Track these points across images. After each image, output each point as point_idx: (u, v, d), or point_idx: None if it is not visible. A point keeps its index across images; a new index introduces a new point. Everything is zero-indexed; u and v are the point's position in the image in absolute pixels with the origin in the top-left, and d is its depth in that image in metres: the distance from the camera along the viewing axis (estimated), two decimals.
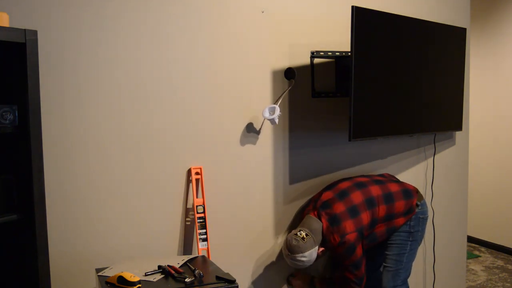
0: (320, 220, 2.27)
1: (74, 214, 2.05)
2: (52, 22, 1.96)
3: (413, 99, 2.62)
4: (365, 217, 2.28)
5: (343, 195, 2.33)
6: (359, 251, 2.26)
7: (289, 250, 2.22)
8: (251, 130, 2.41)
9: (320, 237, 2.25)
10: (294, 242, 2.21)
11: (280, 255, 2.53)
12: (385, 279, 2.42)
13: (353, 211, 2.27)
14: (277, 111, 2.28)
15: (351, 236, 2.23)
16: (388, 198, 2.37)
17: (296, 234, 2.23)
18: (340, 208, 2.27)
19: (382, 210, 2.33)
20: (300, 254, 2.20)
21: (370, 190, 2.37)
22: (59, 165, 2.01)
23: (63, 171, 2.02)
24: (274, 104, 2.31)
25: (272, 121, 2.29)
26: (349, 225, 2.24)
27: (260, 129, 2.43)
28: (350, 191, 2.35)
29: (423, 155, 2.97)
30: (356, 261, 2.27)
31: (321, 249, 2.27)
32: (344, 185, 2.39)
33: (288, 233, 2.37)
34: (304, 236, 2.21)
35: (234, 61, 2.34)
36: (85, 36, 2.03)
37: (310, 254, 2.21)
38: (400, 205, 2.37)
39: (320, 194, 2.42)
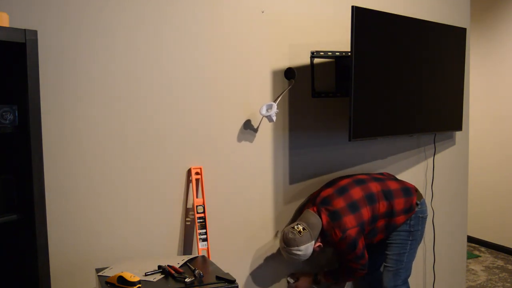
0: (320, 216, 2.28)
1: (74, 214, 2.05)
2: (52, 22, 1.96)
3: (413, 99, 2.62)
4: (365, 212, 2.29)
5: (342, 191, 2.33)
6: (361, 245, 2.27)
7: (285, 242, 2.24)
8: (251, 131, 2.41)
9: (317, 232, 2.25)
10: (290, 235, 2.22)
11: (280, 255, 2.53)
12: (386, 278, 2.42)
13: (353, 207, 2.28)
14: (274, 108, 2.28)
15: (352, 231, 2.23)
16: (388, 194, 2.37)
17: (293, 228, 2.24)
18: (340, 203, 2.28)
19: (382, 206, 2.34)
20: (296, 248, 2.21)
21: (370, 186, 2.38)
22: (59, 165, 2.01)
23: (63, 171, 2.02)
24: (273, 102, 2.32)
25: (269, 118, 2.29)
26: (349, 220, 2.24)
27: (260, 129, 2.43)
28: (349, 187, 2.35)
29: (423, 155, 2.97)
30: (359, 254, 2.28)
31: (318, 244, 2.28)
32: (344, 181, 2.40)
33: (286, 226, 2.37)
34: (301, 230, 2.22)
35: (234, 61, 2.34)
36: (85, 36, 2.03)
37: (306, 248, 2.22)
38: (399, 202, 2.37)
39: (319, 191, 2.43)
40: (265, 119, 2.43)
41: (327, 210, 2.28)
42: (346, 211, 2.26)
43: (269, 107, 2.30)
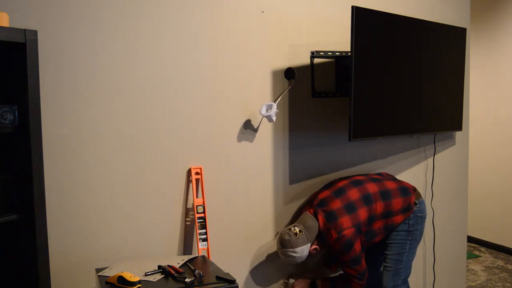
0: (317, 218, 2.28)
1: (74, 214, 2.05)
2: (52, 22, 1.96)
3: (413, 99, 2.62)
4: (362, 213, 2.29)
5: (339, 192, 2.34)
6: (357, 247, 2.27)
7: (281, 244, 2.25)
8: (251, 131, 2.41)
9: (314, 235, 2.26)
10: (286, 237, 2.23)
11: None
12: (386, 278, 2.42)
13: (350, 207, 2.28)
14: (274, 108, 2.28)
15: (348, 232, 2.23)
16: (385, 195, 2.38)
17: (290, 229, 2.25)
18: (336, 204, 2.29)
19: (379, 206, 2.34)
20: (291, 250, 2.22)
21: (367, 187, 2.38)
22: (59, 165, 2.01)
23: (63, 171, 2.02)
24: (273, 102, 2.32)
25: (269, 118, 2.29)
26: (345, 221, 2.25)
27: (260, 129, 2.43)
28: (346, 188, 2.36)
29: (423, 155, 2.97)
30: (355, 257, 2.27)
31: (314, 246, 2.28)
32: (341, 183, 2.41)
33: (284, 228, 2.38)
34: (297, 232, 2.23)
35: (234, 61, 2.34)
36: (85, 36, 2.03)
37: (302, 251, 2.23)
38: (397, 202, 2.38)
39: (317, 193, 2.44)
40: (265, 119, 2.43)
41: (324, 211, 2.29)
42: (342, 212, 2.27)
43: (269, 107, 2.30)
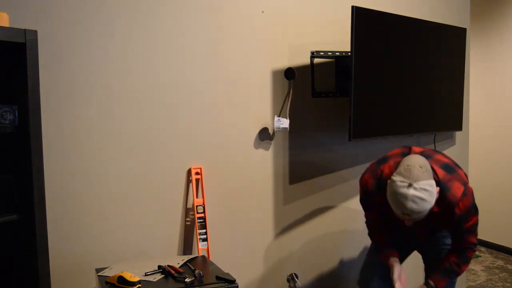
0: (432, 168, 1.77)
1: (74, 214, 2.05)
2: (52, 22, 1.96)
3: (413, 99, 2.62)
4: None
5: (429, 155, 1.89)
6: None
7: (411, 178, 1.66)
8: (251, 130, 2.41)
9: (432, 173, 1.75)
10: (415, 171, 1.66)
11: (279, 255, 2.53)
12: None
13: (448, 167, 1.84)
14: (283, 120, 2.35)
15: (470, 188, 1.81)
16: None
17: (407, 165, 1.70)
18: (443, 158, 1.86)
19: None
20: (425, 181, 1.65)
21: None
22: (59, 165, 2.01)
23: (63, 171, 2.02)
24: (279, 115, 2.41)
25: (283, 128, 2.37)
26: (462, 173, 1.83)
27: (260, 129, 2.43)
28: (427, 152, 1.94)
29: None
30: (477, 220, 1.82)
31: (438, 188, 1.76)
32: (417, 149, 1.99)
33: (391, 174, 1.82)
34: (418, 167, 1.70)
35: (234, 61, 2.34)
36: (85, 36, 2.03)
37: (432, 186, 1.68)
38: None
39: (397, 154, 1.95)
40: (265, 121, 2.43)
41: (436, 161, 1.81)
42: (454, 164, 1.84)
43: (278, 120, 2.36)
